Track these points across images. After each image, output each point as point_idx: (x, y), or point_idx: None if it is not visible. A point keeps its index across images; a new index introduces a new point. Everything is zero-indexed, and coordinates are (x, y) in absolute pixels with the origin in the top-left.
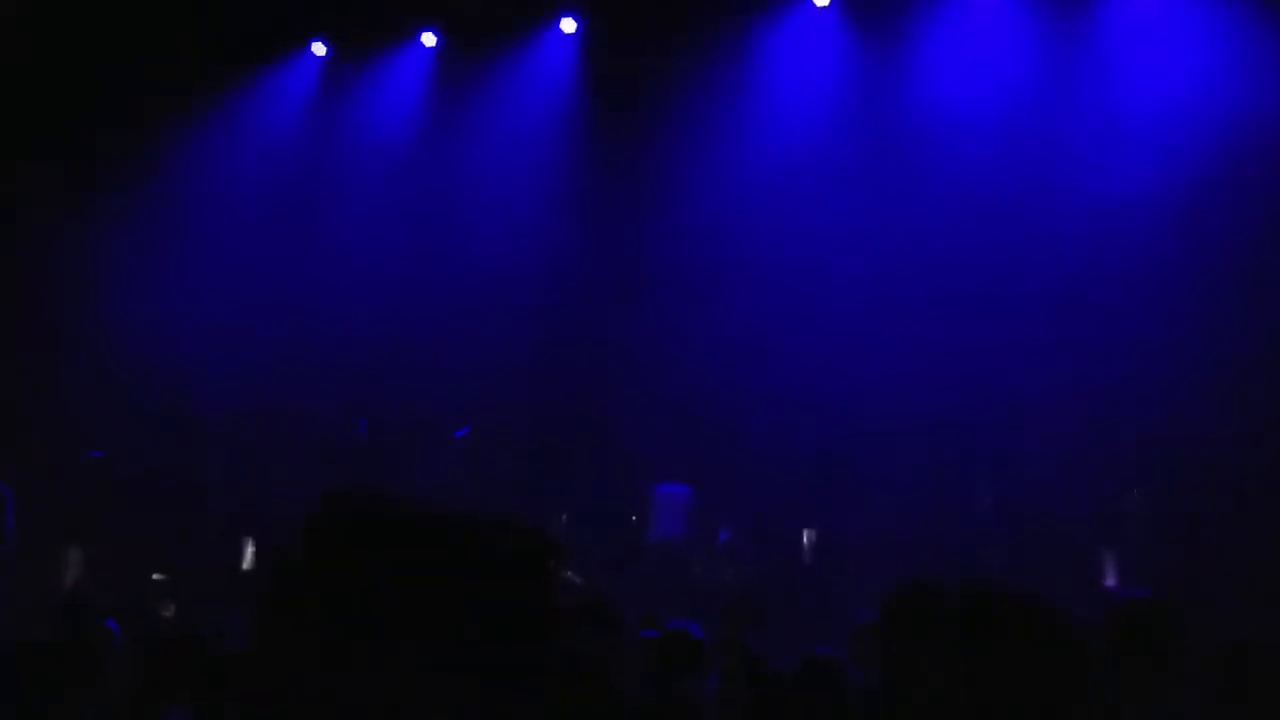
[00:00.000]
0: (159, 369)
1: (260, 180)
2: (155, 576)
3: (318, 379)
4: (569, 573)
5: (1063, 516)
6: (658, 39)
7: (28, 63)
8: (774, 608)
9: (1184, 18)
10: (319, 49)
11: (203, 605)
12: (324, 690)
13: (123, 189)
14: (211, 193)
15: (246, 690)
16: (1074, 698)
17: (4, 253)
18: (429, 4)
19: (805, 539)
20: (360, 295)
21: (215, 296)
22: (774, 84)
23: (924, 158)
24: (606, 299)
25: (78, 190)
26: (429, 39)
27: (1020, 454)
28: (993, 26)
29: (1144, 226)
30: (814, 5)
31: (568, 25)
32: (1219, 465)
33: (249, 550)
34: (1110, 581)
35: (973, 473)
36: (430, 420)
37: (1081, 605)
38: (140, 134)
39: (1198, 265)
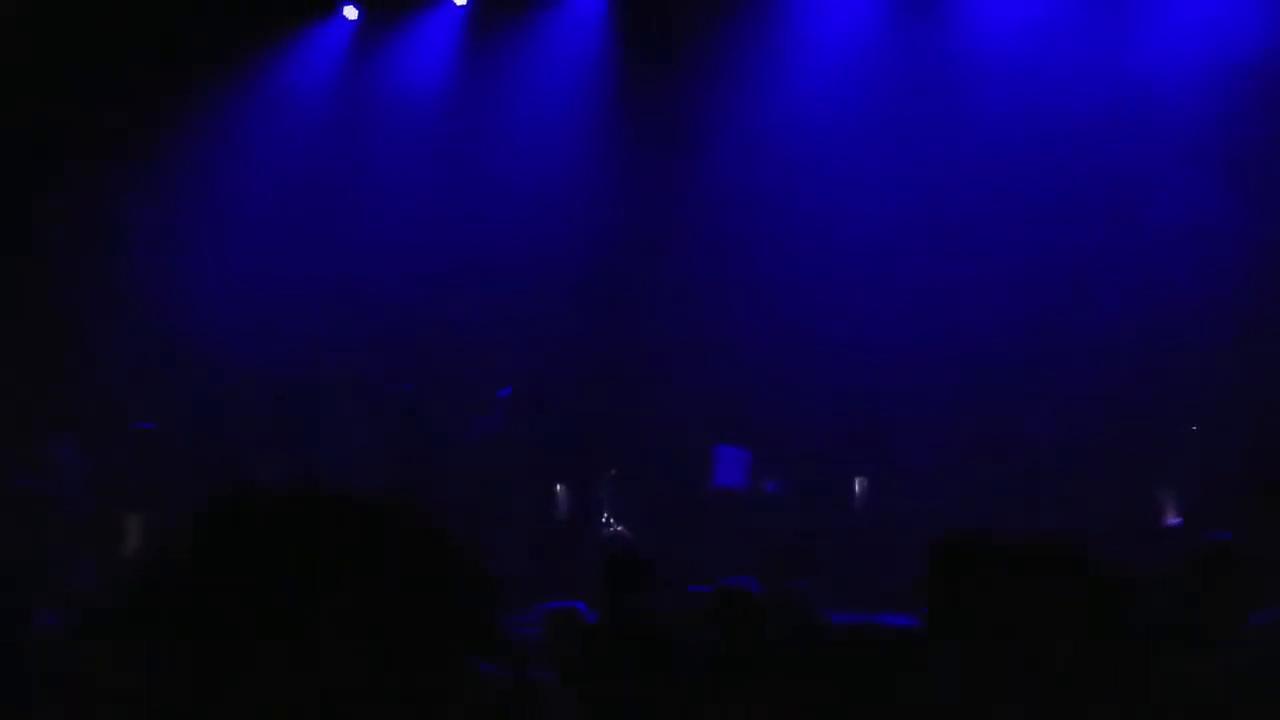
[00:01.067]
0: (202, 337)
1: (295, 146)
2: None
3: (360, 342)
4: (620, 527)
5: (1121, 456)
6: None
7: (60, 32)
8: (826, 556)
9: None
10: (350, 13)
11: None
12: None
13: (156, 158)
14: (245, 160)
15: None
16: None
17: (42, 227)
18: None
19: (857, 487)
20: (397, 259)
21: (253, 263)
22: (808, 33)
23: (963, 99)
24: (648, 254)
25: (114, 159)
26: None
27: (1076, 393)
28: None
29: (1193, 153)
30: None
31: None
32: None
33: None
34: (1171, 521)
35: (1028, 414)
36: (472, 381)
37: (1142, 545)
38: (173, 103)
39: (1253, 189)
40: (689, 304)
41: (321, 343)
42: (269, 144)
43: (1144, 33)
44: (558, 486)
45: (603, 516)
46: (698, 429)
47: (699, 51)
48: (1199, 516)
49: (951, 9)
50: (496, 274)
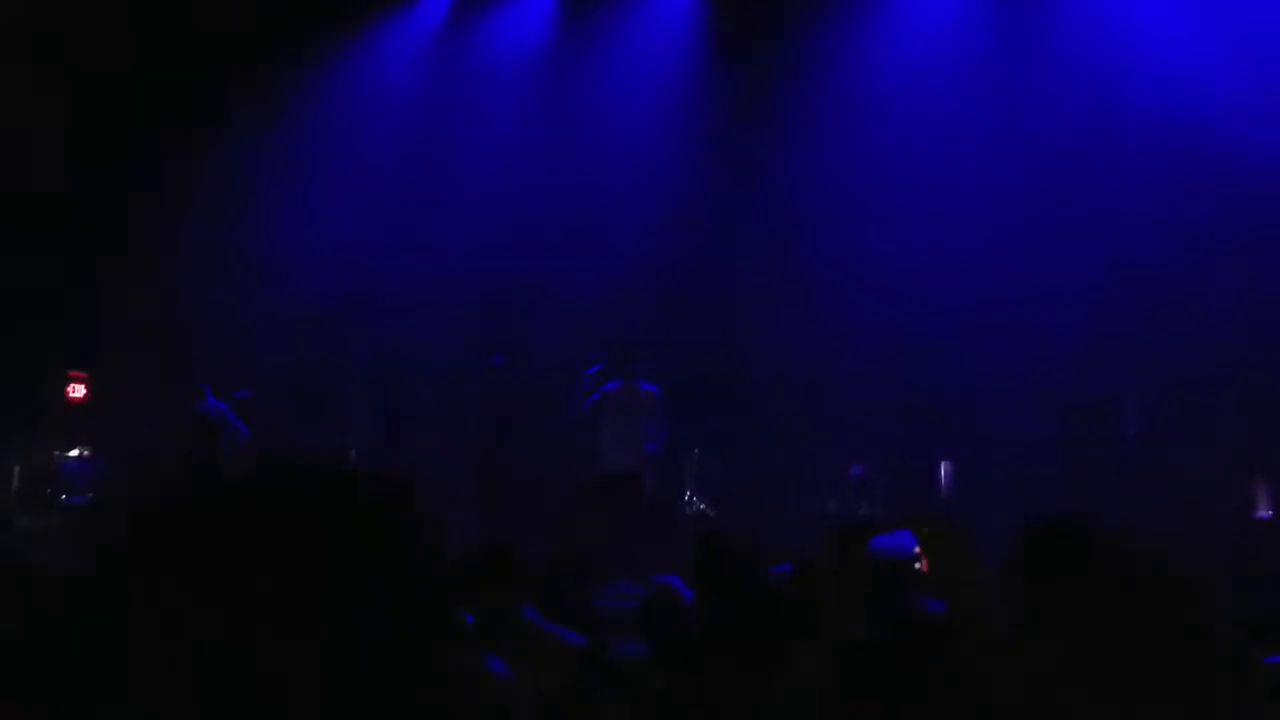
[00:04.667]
0: (299, 306)
1: (389, 124)
2: None
3: (451, 314)
4: (703, 506)
5: (1211, 445)
6: None
7: (162, 12)
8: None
9: None
10: None
11: None
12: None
13: (253, 136)
14: (343, 136)
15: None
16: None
17: (143, 204)
18: None
19: (942, 472)
20: (491, 235)
21: (350, 236)
22: (902, 9)
23: (1060, 87)
24: (736, 236)
25: (212, 133)
26: None
27: (1167, 382)
28: None
29: None
30: None
31: None
32: None
33: None
34: (1263, 512)
35: (1118, 402)
36: (562, 356)
37: (1234, 535)
38: (269, 82)
39: None
40: (776, 284)
41: (419, 312)
42: (365, 121)
43: (1244, 22)
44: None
45: (686, 495)
46: (783, 410)
47: (792, 24)
48: None
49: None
50: (589, 252)
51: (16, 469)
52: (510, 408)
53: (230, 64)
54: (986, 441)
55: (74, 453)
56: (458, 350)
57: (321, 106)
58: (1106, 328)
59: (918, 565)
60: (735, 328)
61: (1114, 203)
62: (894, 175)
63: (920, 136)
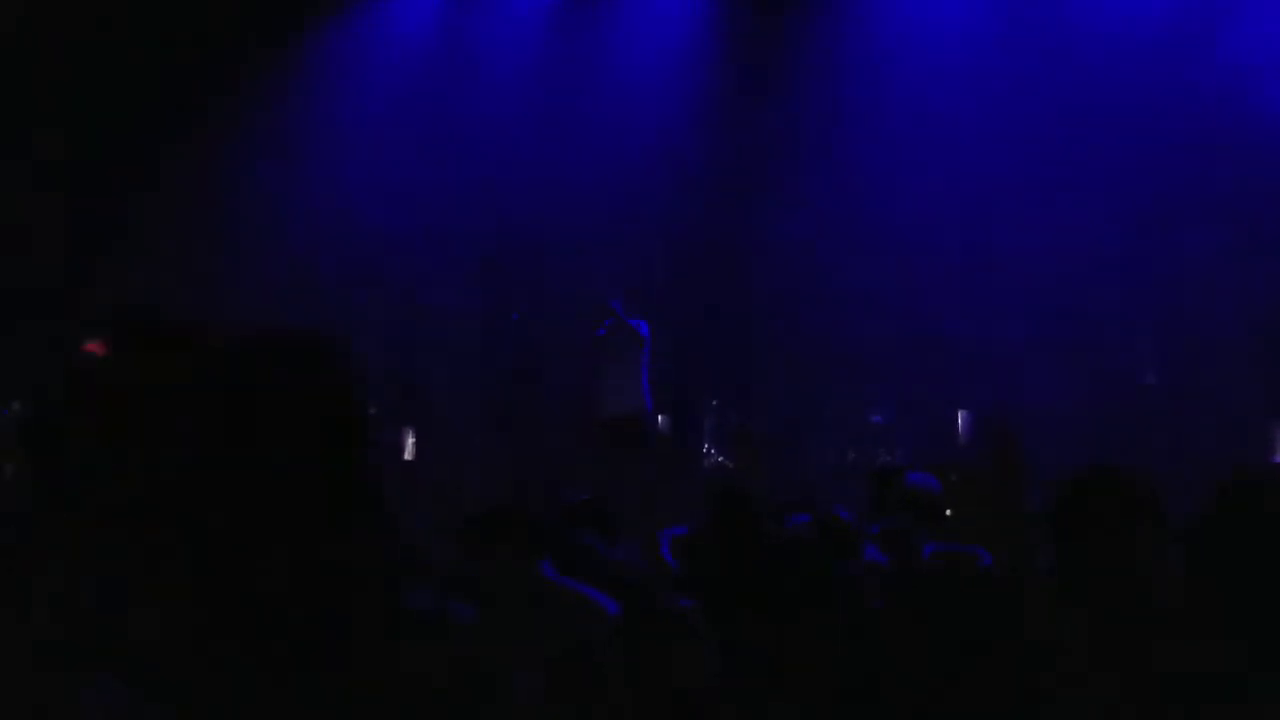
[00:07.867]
0: (313, 266)
1: (394, 90)
2: None
3: (467, 274)
4: (721, 458)
5: (1231, 390)
6: None
7: None
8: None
9: None
10: None
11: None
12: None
13: (258, 97)
14: (346, 101)
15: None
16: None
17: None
18: None
19: (960, 421)
20: (502, 193)
21: (359, 196)
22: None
23: (1078, 71)
24: (754, 187)
25: (221, 98)
26: None
27: (1186, 327)
28: None
29: None
30: None
31: None
32: None
33: (409, 441)
34: None
35: (1136, 348)
36: (578, 315)
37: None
38: (284, 41)
39: None
40: (790, 239)
41: (435, 270)
42: (371, 86)
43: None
44: (659, 417)
45: (704, 447)
46: (801, 361)
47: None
48: None
49: None
50: (607, 206)
51: None
52: (529, 362)
53: (239, 29)
54: (1005, 391)
55: None
56: (475, 305)
57: (336, 66)
58: (1124, 275)
59: (947, 511)
60: (752, 279)
61: (1130, 155)
62: (912, 129)
63: (937, 89)
